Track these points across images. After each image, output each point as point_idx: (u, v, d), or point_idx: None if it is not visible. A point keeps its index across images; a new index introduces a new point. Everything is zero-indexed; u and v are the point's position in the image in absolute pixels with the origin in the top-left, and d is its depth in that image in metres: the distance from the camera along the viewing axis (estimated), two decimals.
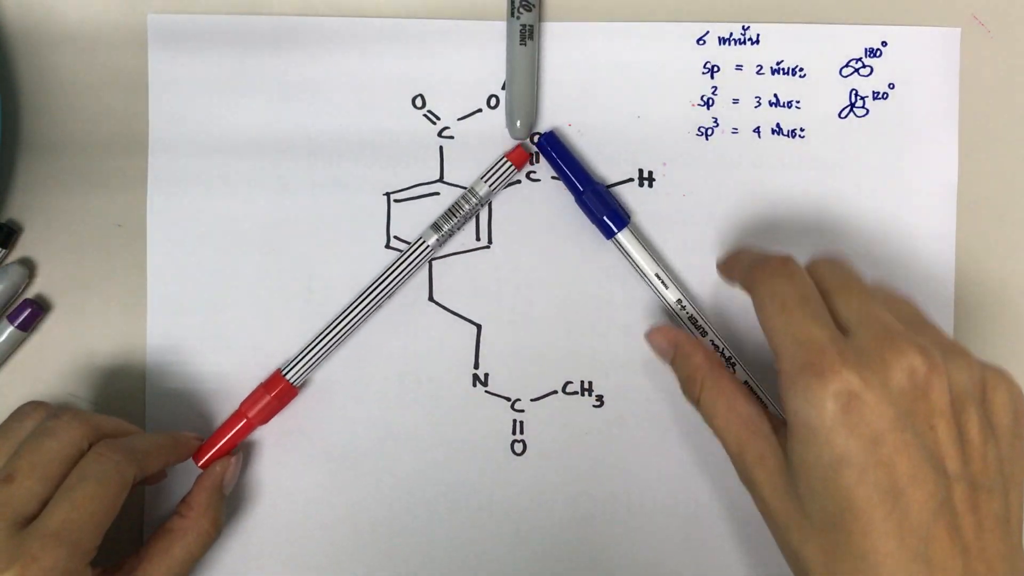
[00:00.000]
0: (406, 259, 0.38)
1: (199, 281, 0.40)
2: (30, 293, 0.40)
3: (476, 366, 0.40)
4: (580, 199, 0.39)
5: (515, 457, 0.40)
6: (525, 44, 0.38)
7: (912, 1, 0.40)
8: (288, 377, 0.38)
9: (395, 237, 0.40)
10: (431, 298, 0.40)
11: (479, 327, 0.40)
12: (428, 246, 0.38)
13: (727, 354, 0.38)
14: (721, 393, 0.34)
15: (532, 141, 0.39)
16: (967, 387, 0.30)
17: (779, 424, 0.32)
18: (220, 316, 0.40)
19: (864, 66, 0.40)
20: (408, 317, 0.40)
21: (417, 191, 0.40)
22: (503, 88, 0.39)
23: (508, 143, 0.40)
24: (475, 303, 0.40)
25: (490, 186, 0.38)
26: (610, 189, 0.40)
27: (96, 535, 0.32)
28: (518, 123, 0.39)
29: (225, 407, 0.39)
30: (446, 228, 0.38)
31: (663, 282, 0.38)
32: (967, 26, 0.40)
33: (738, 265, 0.35)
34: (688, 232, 0.39)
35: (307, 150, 0.40)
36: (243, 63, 0.40)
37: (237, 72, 0.40)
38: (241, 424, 0.38)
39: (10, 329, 0.39)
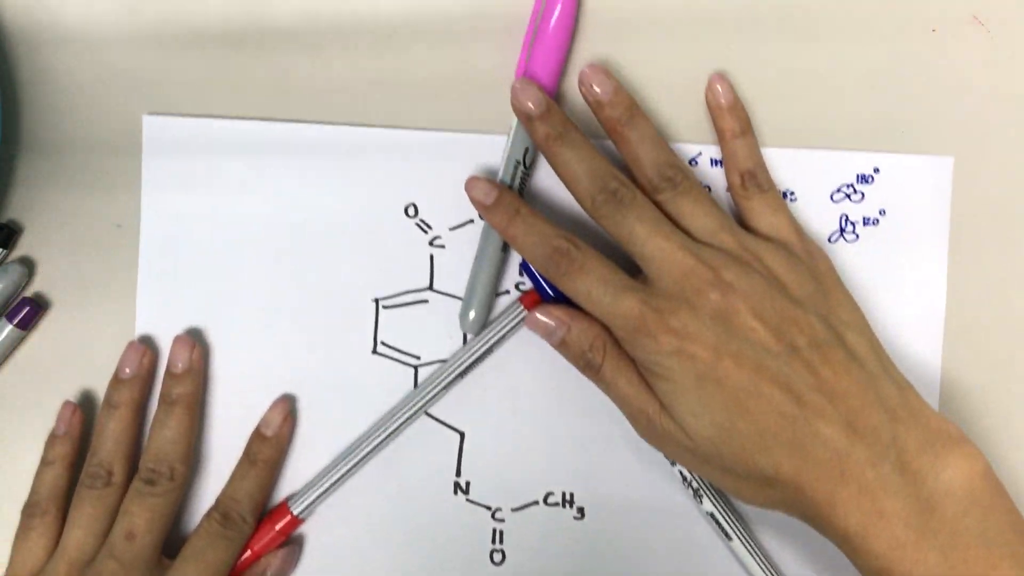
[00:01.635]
0: (421, 397, 0.39)
1: None
2: (29, 292, 0.40)
3: (458, 474, 0.40)
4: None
5: (494, 567, 0.40)
6: (505, 252, 0.39)
7: (905, 129, 0.40)
8: (294, 510, 0.39)
9: (382, 343, 0.40)
10: None
11: (462, 434, 0.40)
12: (447, 379, 0.39)
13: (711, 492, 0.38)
14: (621, 359, 0.36)
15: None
16: (757, 286, 0.34)
17: None
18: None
19: (855, 192, 0.40)
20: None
21: (406, 298, 0.40)
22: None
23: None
24: (458, 411, 0.40)
25: (503, 334, 0.39)
26: None
27: None
28: (471, 315, 0.39)
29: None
30: (456, 372, 0.39)
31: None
32: (961, 153, 0.40)
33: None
34: None
35: (297, 254, 0.40)
36: (238, 167, 0.40)
37: (231, 175, 0.40)
38: (246, 555, 0.38)
39: (9, 328, 0.39)
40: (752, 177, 0.38)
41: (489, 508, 0.40)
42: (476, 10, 0.40)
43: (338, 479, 0.39)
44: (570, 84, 0.40)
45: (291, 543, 0.39)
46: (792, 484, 0.33)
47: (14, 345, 0.40)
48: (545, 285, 0.38)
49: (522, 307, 0.39)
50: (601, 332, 0.36)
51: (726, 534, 0.38)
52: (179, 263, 0.40)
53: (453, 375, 0.39)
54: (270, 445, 0.39)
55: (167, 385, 0.39)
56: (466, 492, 0.40)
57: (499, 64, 0.40)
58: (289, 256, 0.40)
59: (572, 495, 0.40)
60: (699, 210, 0.36)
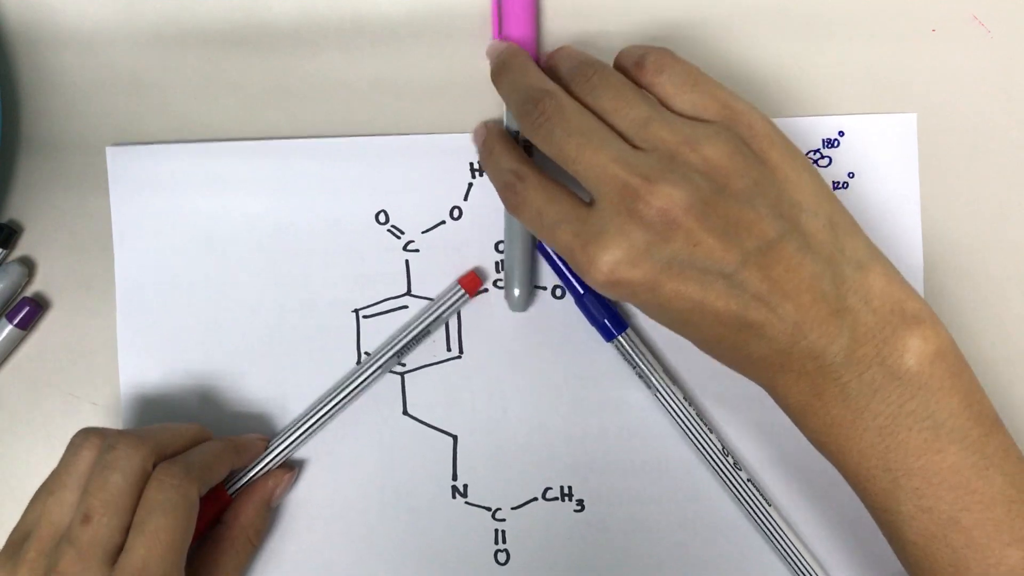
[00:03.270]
0: (353, 381, 0.39)
1: (169, 394, 0.40)
2: (29, 292, 0.40)
3: (455, 478, 0.40)
4: (580, 301, 0.39)
5: (499, 567, 0.39)
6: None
7: (866, 90, 0.40)
8: (230, 490, 0.38)
9: (365, 353, 0.40)
10: (405, 411, 0.40)
11: (455, 438, 0.40)
12: (379, 368, 0.39)
13: (731, 460, 0.38)
14: (542, 187, 0.34)
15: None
16: (700, 187, 0.31)
17: None
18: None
19: (822, 157, 0.40)
20: (383, 432, 0.40)
21: (385, 306, 0.40)
22: (499, 251, 0.40)
23: (473, 254, 0.40)
24: (450, 414, 0.40)
25: (440, 314, 0.39)
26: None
27: (177, 561, 0.33)
28: (516, 293, 0.39)
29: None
30: (396, 351, 0.39)
31: (664, 383, 0.38)
32: (923, 109, 0.40)
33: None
34: (661, 327, 0.39)
35: (274, 273, 0.40)
36: (206, 189, 0.40)
37: (199, 199, 0.40)
38: None
39: (9, 327, 0.39)
40: (638, 66, 0.34)
41: (489, 509, 0.40)
42: (472, 10, 0.40)
43: (269, 462, 0.38)
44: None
45: (292, 467, 0.39)
46: (734, 369, 0.34)
47: (14, 345, 0.40)
48: (568, 273, 0.38)
49: (460, 287, 0.39)
50: (518, 165, 0.35)
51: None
52: (156, 291, 0.40)
53: (386, 356, 0.39)
54: (253, 451, 0.38)
55: (263, 486, 0.38)
56: (464, 495, 0.40)
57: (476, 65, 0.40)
58: (266, 276, 0.40)
59: (571, 488, 0.40)
60: (621, 103, 0.33)
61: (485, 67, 0.38)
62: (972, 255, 0.40)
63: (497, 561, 0.39)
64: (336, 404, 0.39)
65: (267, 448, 0.38)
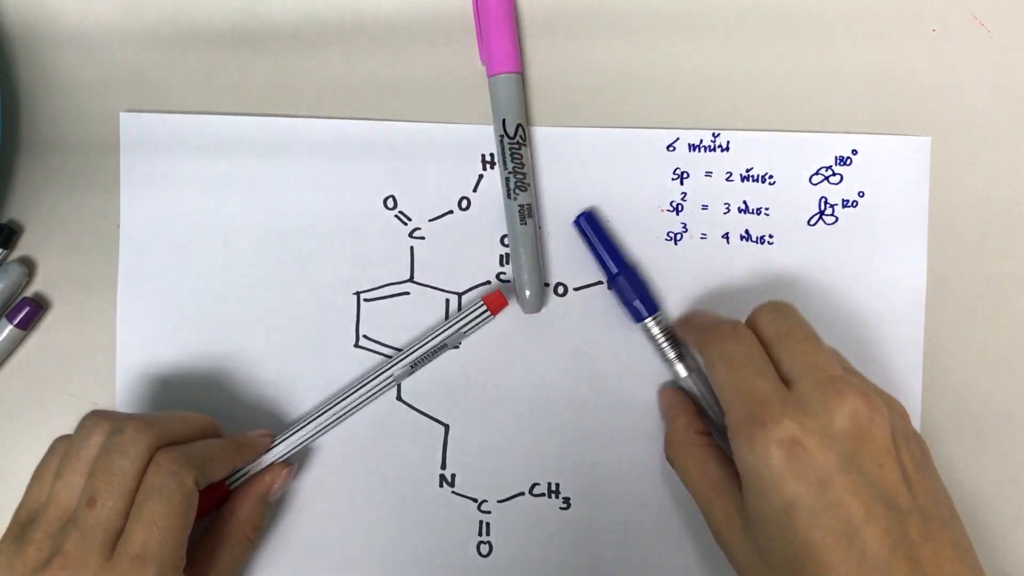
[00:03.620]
0: (368, 383, 0.39)
1: (167, 363, 0.40)
2: (29, 292, 0.40)
3: (443, 466, 0.40)
4: (612, 281, 0.39)
5: (481, 558, 0.40)
6: (526, 223, 0.38)
7: (883, 110, 0.40)
8: (229, 483, 0.38)
9: (364, 336, 0.40)
10: (399, 398, 0.40)
11: (447, 427, 0.40)
12: (393, 376, 0.39)
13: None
14: (694, 457, 0.36)
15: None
16: (899, 425, 0.32)
17: None
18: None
19: (834, 174, 0.40)
20: (376, 417, 0.40)
21: (387, 291, 0.40)
22: (506, 263, 0.40)
23: (478, 245, 0.40)
24: (443, 403, 0.40)
25: (460, 330, 0.38)
26: (579, 291, 0.40)
27: (177, 546, 0.33)
28: (527, 293, 0.39)
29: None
30: (410, 362, 0.39)
31: (686, 364, 0.38)
32: (924, 109, 0.40)
33: (691, 329, 0.37)
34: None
35: (277, 248, 0.40)
36: (215, 162, 0.40)
37: (209, 170, 0.40)
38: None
39: (9, 328, 0.39)
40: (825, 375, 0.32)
41: (475, 500, 0.40)
42: (472, 10, 0.40)
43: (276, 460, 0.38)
44: (534, 61, 0.40)
45: (291, 463, 0.39)
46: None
47: (14, 345, 0.40)
48: (602, 250, 0.38)
49: (484, 306, 0.38)
50: (680, 429, 0.37)
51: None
52: (159, 259, 0.40)
53: (402, 367, 0.38)
54: (257, 447, 0.38)
55: (261, 481, 0.38)
56: (451, 484, 0.40)
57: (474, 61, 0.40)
58: (269, 251, 0.40)
59: (558, 485, 0.40)
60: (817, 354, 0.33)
61: (484, 67, 0.38)
62: (975, 257, 0.40)
63: (479, 552, 0.40)
64: (344, 409, 0.39)
65: (272, 444, 0.38)
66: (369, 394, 0.38)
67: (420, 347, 0.38)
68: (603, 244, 0.39)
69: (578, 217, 0.39)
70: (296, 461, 0.39)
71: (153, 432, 0.34)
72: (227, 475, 0.37)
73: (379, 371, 0.39)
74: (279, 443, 0.38)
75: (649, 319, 0.38)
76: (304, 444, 0.38)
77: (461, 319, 0.38)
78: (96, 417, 0.35)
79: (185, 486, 0.33)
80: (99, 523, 0.32)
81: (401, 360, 0.38)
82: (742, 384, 0.32)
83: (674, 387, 0.39)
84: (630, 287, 0.38)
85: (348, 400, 0.38)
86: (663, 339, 0.38)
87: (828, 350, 0.33)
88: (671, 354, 0.38)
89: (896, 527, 0.29)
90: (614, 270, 0.39)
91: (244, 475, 0.38)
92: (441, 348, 0.39)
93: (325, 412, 0.38)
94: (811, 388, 0.31)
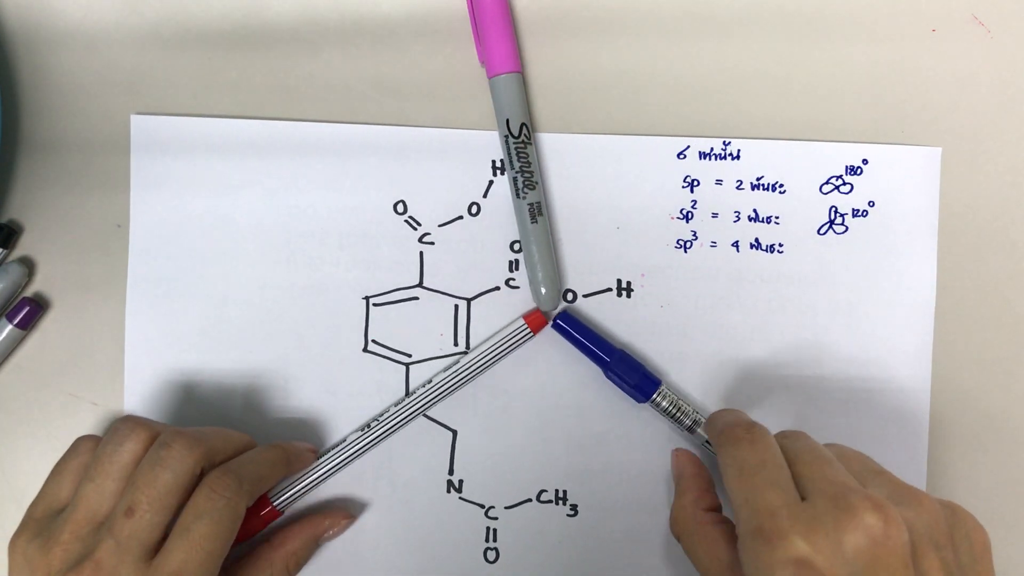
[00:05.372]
0: (411, 404, 0.39)
1: (176, 365, 0.40)
2: (29, 292, 0.40)
3: (451, 472, 0.40)
4: (608, 371, 0.38)
5: (488, 564, 0.40)
6: (536, 222, 0.38)
7: (893, 120, 0.40)
8: (275, 504, 0.38)
9: (373, 341, 0.40)
10: None
11: (455, 433, 0.40)
12: (437, 388, 0.39)
13: None
14: (703, 537, 0.34)
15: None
16: (925, 531, 0.30)
17: None
18: (194, 407, 0.40)
19: (844, 183, 0.40)
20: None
21: (396, 296, 0.40)
22: (517, 252, 0.40)
23: (488, 251, 0.40)
24: (451, 409, 0.40)
25: (504, 350, 0.39)
26: (588, 297, 0.40)
27: (213, 569, 0.33)
28: (543, 291, 0.39)
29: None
30: (450, 381, 0.39)
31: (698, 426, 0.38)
32: (948, 144, 0.40)
33: (711, 429, 0.36)
34: (665, 344, 0.40)
35: (287, 252, 0.40)
36: (225, 165, 0.40)
37: (219, 174, 0.40)
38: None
39: (9, 327, 0.39)
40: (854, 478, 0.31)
41: (482, 506, 0.40)
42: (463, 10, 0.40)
43: (317, 479, 0.39)
44: (532, 59, 0.40)
45: (352, 515, 0.39)
46: None
47: (14, 345, 0.40)
48: (590, 345, 0.38)
49: (524, 324, 0.39)
50: (687, 506, 0.36)
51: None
52: (169, 261, 0.40)
53: (446, 389, 0.39)
54: (303, 462, 0.38)
55: (320, 523, 0.38)
56: (459, 490, 0.40)
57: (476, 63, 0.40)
58: (278, 254, 0.40)
59: (565, 492, 0.40)
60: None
61: (484, 67, 0.38)
62: (982, 262, 0.40)
63: (486, 559, 0.40)
64: (391, 428, 0.39)
65: (318, 462, 0.39)
66: (415, 412, 0.39)
67: (470, 366, 0.39)
68: (588, 339, 0.38)
69: (555, 320, 0.39)
70: (356, 514, 0.40)
71: (200, 451, 0.34)
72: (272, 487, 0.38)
73: (426, 391, 0.39)
74: (326, 461, 0.39)
75: (656, 395, 0.38)
76: (349, 462, 0.39)
77: (504, 339, 0.39)
78: (132, 424, 0.34)
79: (236, 511, 0.34)
80: (135, 534, 0.32)
81: (451, 380, 0.39)
82: (752, 494, 0.30)
83: (689, 453, 0.39)
84: (628, 371, 0.38)
85: (395, 418, 0.39)
86: (673, 410, 0.38)
87: (853, 453, 0.32)
88: (686, 422, 0.38)
89: None
90: (607, 359, 0.38)
91: (291, 492, 0.38)
92: (485, 367, 0.39)
93: (374, 431, 0.39)
94: (824, 503, 0.29)
